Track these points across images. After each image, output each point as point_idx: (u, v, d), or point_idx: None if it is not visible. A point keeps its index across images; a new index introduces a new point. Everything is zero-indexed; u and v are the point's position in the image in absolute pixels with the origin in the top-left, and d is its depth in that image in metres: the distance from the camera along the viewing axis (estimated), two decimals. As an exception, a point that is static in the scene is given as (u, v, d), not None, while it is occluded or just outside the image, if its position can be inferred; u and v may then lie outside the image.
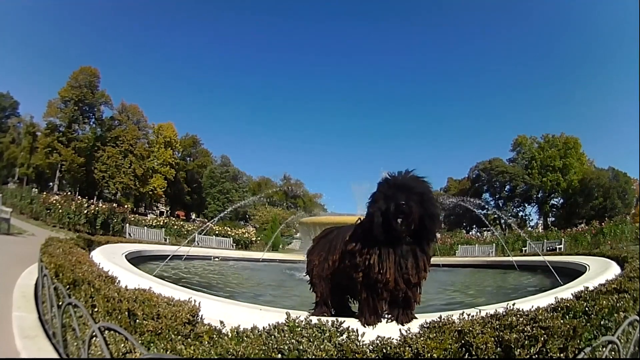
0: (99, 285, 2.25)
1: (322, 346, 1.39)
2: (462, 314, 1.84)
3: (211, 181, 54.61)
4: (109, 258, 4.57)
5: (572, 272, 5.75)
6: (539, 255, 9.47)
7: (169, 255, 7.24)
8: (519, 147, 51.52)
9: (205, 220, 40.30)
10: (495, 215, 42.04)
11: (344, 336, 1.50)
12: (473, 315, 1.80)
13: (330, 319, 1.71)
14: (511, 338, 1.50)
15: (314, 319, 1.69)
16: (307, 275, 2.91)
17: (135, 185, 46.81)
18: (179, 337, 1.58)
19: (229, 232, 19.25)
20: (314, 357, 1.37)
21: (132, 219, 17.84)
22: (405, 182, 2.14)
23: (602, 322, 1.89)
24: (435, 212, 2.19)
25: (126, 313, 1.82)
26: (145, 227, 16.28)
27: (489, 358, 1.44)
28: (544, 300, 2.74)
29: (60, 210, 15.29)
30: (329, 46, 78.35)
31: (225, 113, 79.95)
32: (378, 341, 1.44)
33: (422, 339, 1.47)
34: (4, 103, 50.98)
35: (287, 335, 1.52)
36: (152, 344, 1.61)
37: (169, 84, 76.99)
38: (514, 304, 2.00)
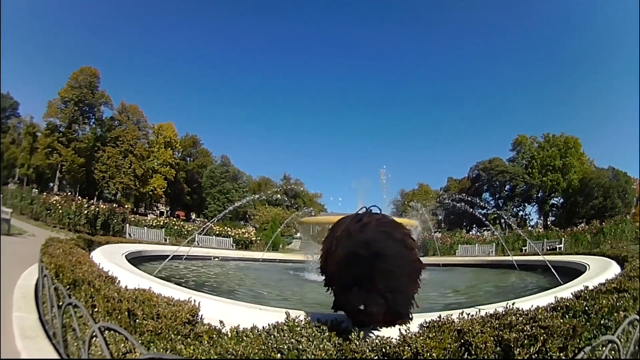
0: (99, 286, 2.25)
1: (321, 346, 1.39)
2: (462, 313, 1.84)
3: (211, 181, 54.61)
4: (109, 258, 4.57)
5: (572, 272, 5.75)
6: (539, 254, 9.47)
7: (169, 255, 7.25)
8: (519, 146, 51.51)
9: (205, 220, 40.31)
10: (495, 215, 42.05)
11: (343, 335, 1.50)
12: (472, 315, 1.80)
13: (329, 318, 1.71)
14: (510, 337, 1.50)
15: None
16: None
17: (135, 186, 46.81)
18: (179, 336, 1.58)
19: (229, 232, 19.26)
20: (313, 356, 1.37)
21: (132, 219, 17.84)
22: (369, 269, 1.55)
23: (602, 322, 1.89)
24: (411, 291, 1.70)
25: (126, 313, 1.83)
26: (146, 228, 16.29)
27: (489, 357, 1.45)
28: (544, 299, 2.74)
29: (60, 211, 15.30)
30: (329, 46, 78.37)
31: (226, 113, 79.96)
32: (377, 341, 1.44)
33: (421, 338, 1.47)
34: (4, 104, 51.00)
35: (286, 334, 1.52)
36: (152, 344, 1.61)
37: (169, 84, 77.03)
38: (513, 304, 2.00)
